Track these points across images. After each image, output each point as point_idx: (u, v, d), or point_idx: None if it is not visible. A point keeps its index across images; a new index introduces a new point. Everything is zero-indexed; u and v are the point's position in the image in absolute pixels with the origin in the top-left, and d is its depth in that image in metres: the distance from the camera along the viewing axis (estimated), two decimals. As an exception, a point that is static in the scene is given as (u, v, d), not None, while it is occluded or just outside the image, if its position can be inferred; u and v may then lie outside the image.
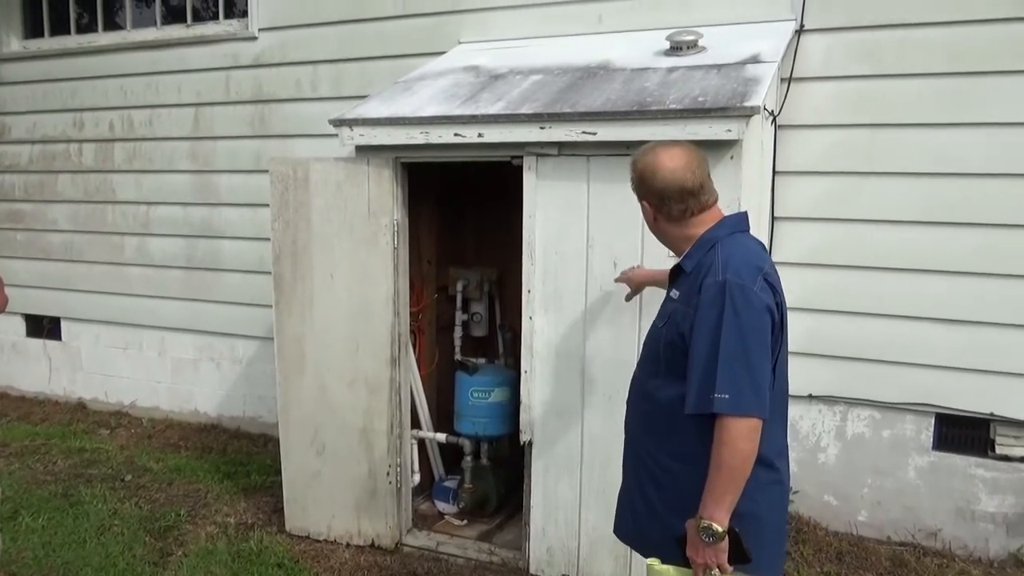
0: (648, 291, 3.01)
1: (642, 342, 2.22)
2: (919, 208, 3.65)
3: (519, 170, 3.25)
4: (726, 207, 2.22)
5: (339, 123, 3.48)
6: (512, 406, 3.77)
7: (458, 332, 4.25)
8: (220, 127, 5.20)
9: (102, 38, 5.62)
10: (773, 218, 3.86)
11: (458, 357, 4.18)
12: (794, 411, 3.94)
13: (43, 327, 6.10)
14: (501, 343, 4.35)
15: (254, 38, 5.02)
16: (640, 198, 2.14)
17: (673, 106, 2.93)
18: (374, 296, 3.54)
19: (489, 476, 3.99)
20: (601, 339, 3.18)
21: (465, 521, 3.94)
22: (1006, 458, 3.66)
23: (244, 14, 5.09)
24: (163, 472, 4.66)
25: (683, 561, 1.95)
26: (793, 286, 3.66)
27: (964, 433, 3.73)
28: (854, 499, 3.92)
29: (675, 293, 2.08)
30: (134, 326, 5.69)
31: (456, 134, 3.25)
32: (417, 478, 3.84)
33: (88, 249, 5.77)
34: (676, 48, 3.59)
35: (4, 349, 6.28)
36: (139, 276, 5.61)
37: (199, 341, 5.49)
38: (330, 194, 3.55)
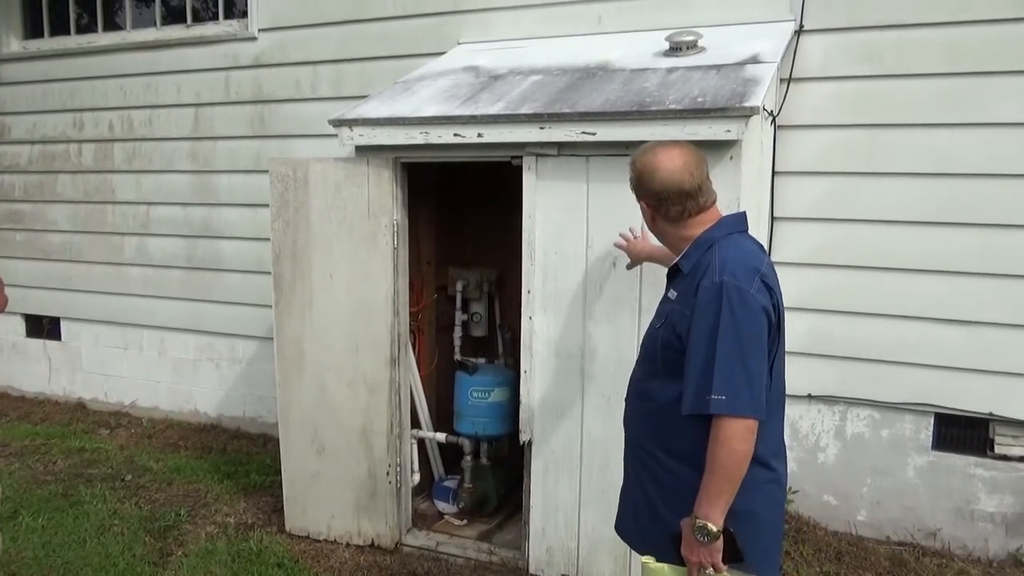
0: (648, 292, 3.02)
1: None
2: (919, 208, 3.65)
3: (519, 170, 3.25)
4: (725, 207, 2.22)
5: (339, 123, 3.48)
6: (512, 406, 3.78)
7: (458, 332, 4.25)
8: (220, 127, 5.21)
9: (102, 38, 5.63)
10: (773, 218, 3.87)
11: (458, 357, 4.18)
12: (794, 411, 3.95)
13: (43, 327, 6.10)
14: (501, 343, 4.36)
15: (254, 38, 5.02)
16: (639, 198, 2.15)
17: (672, 106, 2.93)
18: (374, 296, 3.55)
19: (489, 476, 3.99)
20: (601, 339, 3.18)
21: (465, 521, 3.95)
22: (1005, 458, 3.66)
23: (244, 14, 5.09)
24: (163, 472, 4.67)
25: (678, 560, 1.96)
26: (793, 286, 3.67)
27: (963, 433, 3.73)
28: (853, 499, 3.92)
29: (672, 293, 2.09)
30: (134, 326, 5.69)
31: (456, 134, 3.25)
32: (417, 478, 3.84)
33: (88, 249, 5.78)
34: (675, 48, 3.59)
35: (4, 349, 6.28)
36: (139, 276, 5.61)
37: (199, 341, 5.50)
38: (330, 194, 3.56)
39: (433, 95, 3.61)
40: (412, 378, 3.83)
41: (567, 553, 3.36)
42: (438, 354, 4.29)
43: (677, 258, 2.11)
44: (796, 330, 3.69)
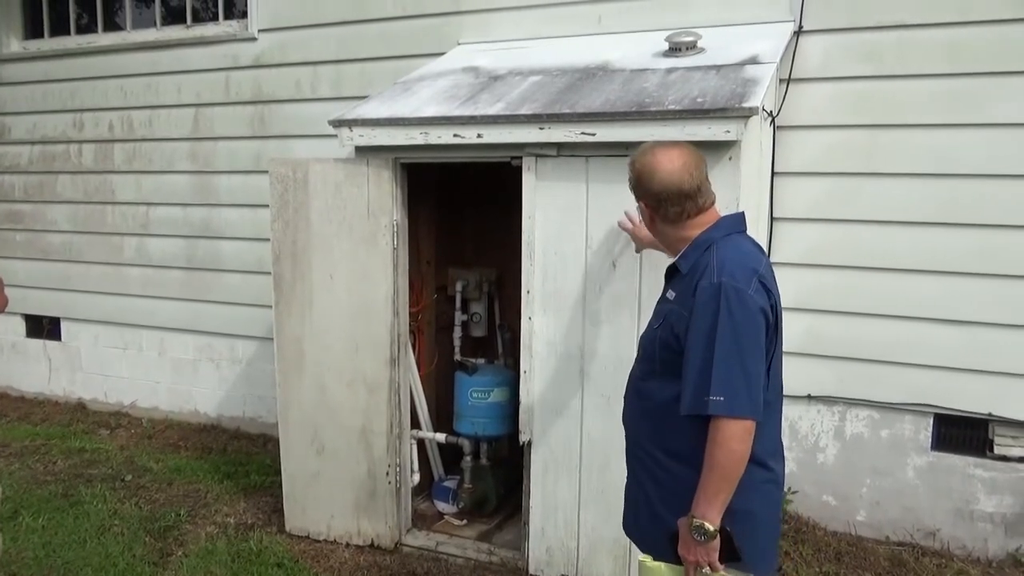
0: (647, 292, 3.03)
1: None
2: (918, 209, 3.65)
3: (518, 171, 3.25)
4: (724, 208, 2.23)
5: (338, 124, 3.48)
6: (511, 406, 3.78)
7: (457, 332, 4.25)
8: (220, 128, 5.21)
9: (102, 39, 5.63)
10: (772, 219, 3.87)
11: (457, 357, 4.19)
12: (793, 411, 3.95)
13: (43, 327, 6.10)
14: (500, 343, 4.36)
15: (254, 39, 5.02)
16: (637, 199, 2.15)
17: (672, 107, 2.94)
18: (374, 296, 3.55)
19: (488, 476, 4.00)
20: (600, 339, 3.18)
21: (464, 521, 3.95)
22: (1004, 458, 3.66)
23: (244, 15, 5.10)
24: (163, 472, 4.67)
25: (676, 559, 1.96)
26: (792, 286, 3.68)
27: (962, 433, 3.73)
28: (853, 499, 3.92)
29: (671, 294, 2.09)
30: (134, 326, 5.69)
31: (455, 135, 3.26)
32: (416, 478, 3.84)
33: (88, 249, 5.78)
34: (675, 49, 3.59)
35: (4, 349, 6.29)
36: (139, 276, 5.61)
37: (199, 341, 5.50)
38: (329, 194, 3.56)
39: (433, 95, 3.61)
40: (412, 378, 3.84)
41: (567, 553, 3.36)
42: (438, 354, 4.29)
43: (675, 258, 2.11)
44: (795, 330, 3.69)
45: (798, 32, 3.76)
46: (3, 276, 3.16)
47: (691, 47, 3.58)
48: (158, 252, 5.52)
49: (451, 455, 4.15)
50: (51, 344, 6.08)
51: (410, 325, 3.78)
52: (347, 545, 3.75)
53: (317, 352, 3.68)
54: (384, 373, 3.59)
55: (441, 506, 4.02)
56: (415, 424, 3.90)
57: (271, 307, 3.77)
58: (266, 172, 3.73)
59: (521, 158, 3.23)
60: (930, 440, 3.77)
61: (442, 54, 4.35)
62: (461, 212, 4.41)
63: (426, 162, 3.49)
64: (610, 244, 3.11)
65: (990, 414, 3.65)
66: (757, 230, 3.41)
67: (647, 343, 2.13)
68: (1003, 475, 3.66)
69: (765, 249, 3.35)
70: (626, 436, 2.23)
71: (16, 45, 5.93)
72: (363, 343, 3.60)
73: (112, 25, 5.68)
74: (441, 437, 3.98)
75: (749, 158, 3.00)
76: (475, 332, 4.33)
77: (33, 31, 5.95)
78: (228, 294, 5.30)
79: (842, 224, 3.79)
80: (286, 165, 3.65)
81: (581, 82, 3.44)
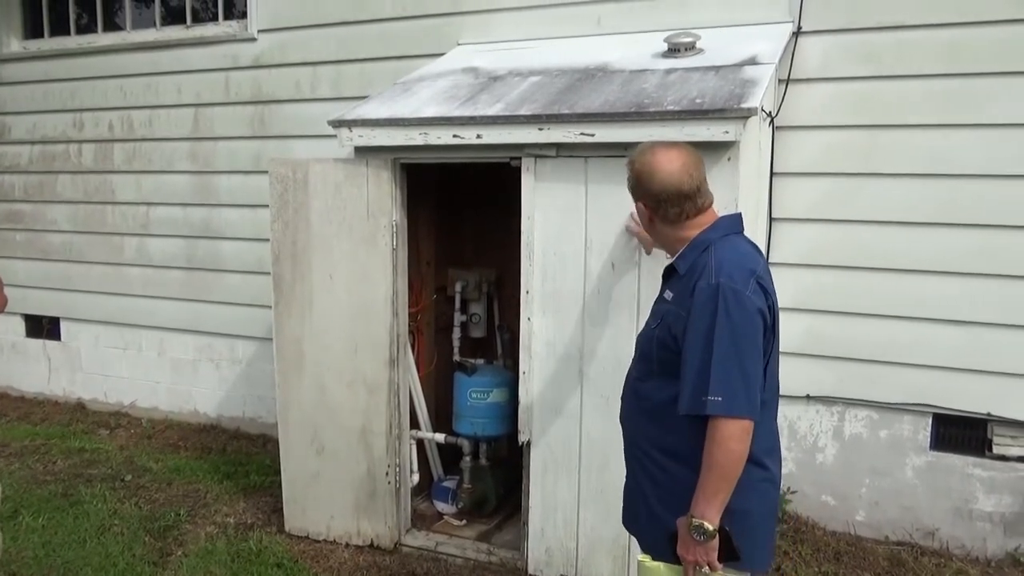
0: (646, 293, 3.03)
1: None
2: (917, 209, 3.65)
3: (517, 171, 3.26)
4: (723, 208, 2.23)
5: (338, 124, 3.49)
6: (510, 407, 3.78)
7: (457, 333, 4.26)
8: (220, 128, 5.21)
9: (102, 39, 5.63)
10: (771, 219, 3.87)
11: (457, 358, 4.19)
12: (792, 411, 3.96)
13: (43, 327, 6.11)
14: (499, 344, 4.37)
15: (253, 39, 5.03)
16: (636, 200, 2.15)
17: (671, 107, 2.94)
18: (373, 297, 3.55)
19: (488, 476, 4.00)
20: (599, 340, 3.19)
21: (464, 521, 3.95)
22: (1003, 458, 3.66)
23: (243, 15, 5.10)
24: (163, 472, 4.67)
25: (674, 558, 1.97)
26: (790, 287, 3.68)
27: (961, 433, 3.73)
28: (852, 499, 3.93)
29: (668, 294, 2.09)
30: (134, 326, 5.70)
31: (455, 135, 3.26)
32: (416, 478, 3.85)
33: (88, 249, 5.78)
34: (674, 50, 3.59)
35: (4, 349, 6.29)
36: (139, 276, 5.61)
37: (199, 341, 5.50)
38: (329, 195, 3.56)
39: (432, 96, 3.61)
40: (411, 379, 3.84)
41: (566, 553, 3.36)
42: (437, 355, 4.29)
43: (673, 259, 2.11)
44: (794, 330, 3.70)
45: (797, 33, 3.76)
46: (3, 276, 3.17)
47: (690, 48, 3.59)
48: (158, 252, 5.52)
49: (450, 455, 4.15)
50: (51, 344, 6.08)
51: (409, 326, 3.78)
52: (347, 545, 3.75)
53: (317, 352, 3.69)
54: (384, 373, 3.59)
55: (440, 506, 4.03)
56: (414, 424, 3.90)
57: (271, 307, 3.78)
58: (266, 172, 3.73)
59: (520, 159, 3.23)
60: (929, 440, 3.77)
61: (442, 54, 4.36)
62: (461, 213, 4.41)
63: (426, 163, 3.49)
64: (609, 245, 3.12)
65: (989, 414, 3.65)
66: (756, 230, 3.42)
67: (644, 343, 2.13)
68: (1002, 475, 3.66)
69: (763, 250, 3.35)
70: (624, 436, 2.24)
71: (16, 45, 5.93)
72: (363, 343, 3.60)
73: (112, 25, 5.69)
74: (440, 437, 3.98)
75: (748, 159, 3.01)
76: (474, 333, 4.33)
77: (33, 31, 5.95)
78: (228, 294, 5.30)
79: (841, 224, 3.79)
80: (286, 165, 3.66)
81: (580, 83, 3.45)
